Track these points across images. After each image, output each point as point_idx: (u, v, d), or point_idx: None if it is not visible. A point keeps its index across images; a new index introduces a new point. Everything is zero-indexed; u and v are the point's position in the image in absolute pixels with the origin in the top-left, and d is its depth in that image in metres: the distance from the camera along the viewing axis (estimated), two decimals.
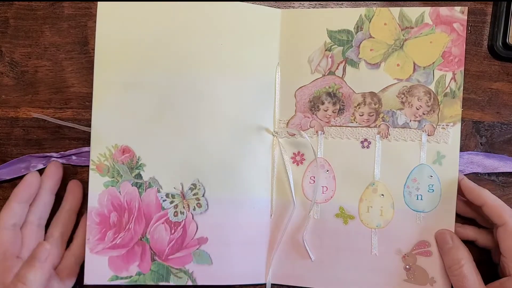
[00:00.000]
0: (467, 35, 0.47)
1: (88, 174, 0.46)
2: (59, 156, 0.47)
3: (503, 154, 0.47)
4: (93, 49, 0.46)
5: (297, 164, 0.48)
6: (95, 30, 0.45)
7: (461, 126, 0.46)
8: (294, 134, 0.47)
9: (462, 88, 0.45)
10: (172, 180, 0.46)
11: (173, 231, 0.46)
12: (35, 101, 0.48)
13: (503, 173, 0.48)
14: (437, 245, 0.45)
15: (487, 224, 0.45)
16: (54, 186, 0.45)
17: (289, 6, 0.48)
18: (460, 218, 0.46)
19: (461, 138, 0.47)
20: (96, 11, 0.45)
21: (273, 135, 0.48)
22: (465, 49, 0.47)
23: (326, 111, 0.47)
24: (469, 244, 0.45)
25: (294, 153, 0.48)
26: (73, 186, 0.47)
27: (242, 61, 0.47)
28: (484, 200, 0.42)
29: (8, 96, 0.48)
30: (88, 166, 0.46)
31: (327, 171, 0.47)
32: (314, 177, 0.47)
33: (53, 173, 0.45)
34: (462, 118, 0.46)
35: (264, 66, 0.47)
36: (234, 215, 0.47)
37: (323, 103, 0.47)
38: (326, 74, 0.47)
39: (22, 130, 0.48)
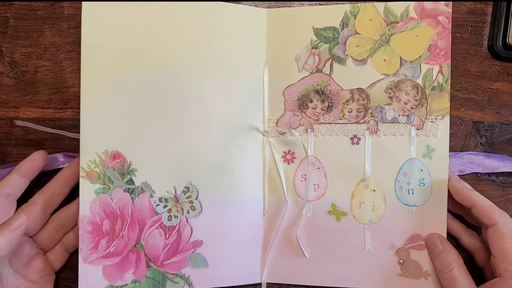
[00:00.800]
0: (467, 35, 0.47)
1: None
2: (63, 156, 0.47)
3: (503, 154, 0.48)
4: None
5: (288, 163, 0.48)
6: None
7: (462, 126, 0.46)
8: (284, 133, 0.47)
9: (449, 81, 0.45)
10: (164, 184, 0.46)
11: (167, 235, 0.46)
12: (35, 101, 0.48)
13: (503, 173, 0.48)
14: (427, 249, 0.45)
15: (475, 223, 0.46)
16: (70, 177, 0.45)
17: (289, 6, 0.48)
18: (449, 214, 0.46)
19: (461, 138, 0.47)
20: None
21: (263, 135, 0.48)
22: (465, 49, 0.47)
23: (314, 108, 0.47)
24: (458, 247, 0.46)
25: (284, 152, 0.48)
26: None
27: (229, 61, 0.46)
28: (473, 201, 0.42)
29: (8, 96, 0.48)
30: None
31: (318, 168, 0.47)
32: (305, 175, 0.47)
33: (74, 165, 0.45)
34: (462, 118, 0.46)
35: (252, 66, 0.47)
36: (228, 216, 0.47)
37: (311, 101, 0.47)
38: (313, 72, 0.47)
39: (22, 130, 0.48)
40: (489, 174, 0.48)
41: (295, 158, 0.48)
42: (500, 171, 0.47)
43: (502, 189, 0.48)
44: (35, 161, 0.44)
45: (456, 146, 0.48)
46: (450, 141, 0.46)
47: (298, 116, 0.47)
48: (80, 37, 0.45)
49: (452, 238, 0.46)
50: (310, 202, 0.47)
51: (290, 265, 0.48)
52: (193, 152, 0.46)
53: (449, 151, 0.46)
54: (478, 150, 0.48)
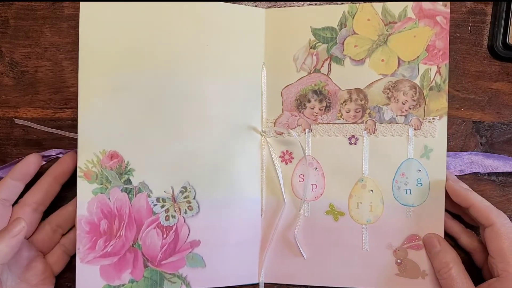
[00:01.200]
0: (467, 35, 0.48)
1: None
2: (57, 153, 0.47)
3: (503, 154, 0.48)
4: None
5: (286, 163, 0.48)
6: None
7: (461, 126, 0.46)
8: (282, 133, 0.47)
9: (447, 81, 0.45)
10: (162, 184, 0.46)
11: (165, 235, 0.46)
12: (35, 101, 0.48)
13: (503, 173, 0.48)
14: (425, 249, 0.45)
15: (473, 223, 0.46)
16: (60, 174, 0.45)
17: (289, 6, 0.48)
18: (448, 214, 0.46)
19: (461, 138, 0.47)
20: None
21: (261, 135, 0.48)
22: (465, 49, 0.47)
23: (312, 109, 0.47)
24: (457, 247, 0.46)
25: (282, 152, 0.48)
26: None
27: (228, 61, 0.46)
28: (471, 202, 0.42)
29: (8, 96, 0.48)
30: None
31: (316, 168, 0.47)
32: (303, 175, 0.47)
33: (64, 162, 0.45)
34: (462, 118, 0.46)
35: (250, 66, 0.47)
36: (225, 216, 0.47)
37: (309, 101, 0.47)
38: (311, 72, 0.47)
39: (22, 130, 0.48)
40: (489, 174, 0.48)
41: (293, 158, 0.48)
42: (500, 171, 0.47)
43: (502, 189, 0.48)
44: (29, 165, 0.44)
45: (456, 146, 0.48)
46: (450, 141, 0.46)
47: (296, 116, 0.47)
48: None
49: (450, 238, 0.46)
50: (308, 202, 0.47)
51: (288, 265, 0.48)
52: (190, 152, 0.46)
53: (449, 151, 0.46)
54: (478, 150, 0.48)
